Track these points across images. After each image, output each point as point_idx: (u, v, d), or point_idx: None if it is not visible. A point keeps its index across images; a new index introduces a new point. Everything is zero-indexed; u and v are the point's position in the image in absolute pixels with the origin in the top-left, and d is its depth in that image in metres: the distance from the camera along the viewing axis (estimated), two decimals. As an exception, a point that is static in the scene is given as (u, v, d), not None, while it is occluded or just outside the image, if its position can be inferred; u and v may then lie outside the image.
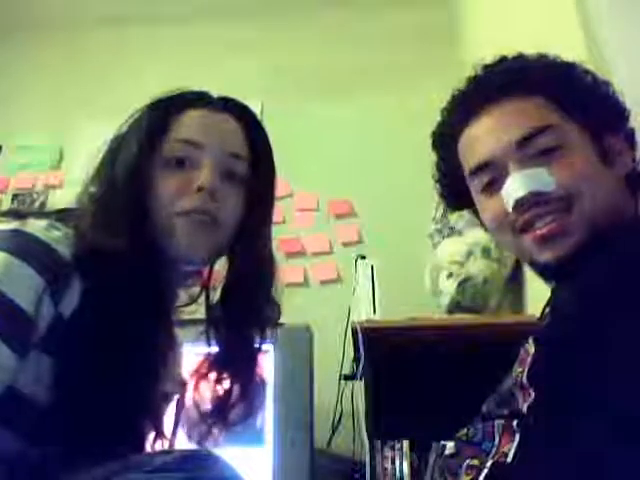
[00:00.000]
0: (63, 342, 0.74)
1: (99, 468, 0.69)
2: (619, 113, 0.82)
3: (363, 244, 2.46)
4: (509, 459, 0.68)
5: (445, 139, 0.89)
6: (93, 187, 0.87)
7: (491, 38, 2.04)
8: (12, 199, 2.69)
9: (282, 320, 0.99)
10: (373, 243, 2.42)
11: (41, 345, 0.73)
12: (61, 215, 0.84)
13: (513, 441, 0.69)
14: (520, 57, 0.84)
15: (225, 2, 2.91)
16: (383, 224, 2.40)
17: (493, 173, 0.81)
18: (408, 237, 2.21)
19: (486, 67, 0.85)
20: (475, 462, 0.71)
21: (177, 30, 2.89)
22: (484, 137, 0.81)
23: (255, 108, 0.96)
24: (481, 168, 0.82)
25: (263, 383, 0.99)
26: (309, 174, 2.56)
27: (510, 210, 0.78)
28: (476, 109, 0.83)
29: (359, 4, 2.83)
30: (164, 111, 0.90)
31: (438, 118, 0.92)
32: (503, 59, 0.85)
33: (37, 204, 2.66)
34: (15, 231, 0.76)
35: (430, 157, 0.95)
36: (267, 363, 1.59)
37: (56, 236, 0.77)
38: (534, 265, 0.82)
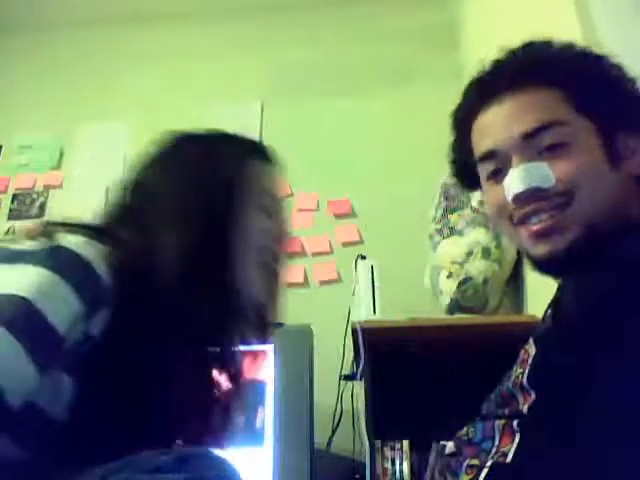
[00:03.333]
0: (87, 363, 0.74)
1: (98, 468, 0.69)
2: (635, 109, 0.79)
3: (363, 244, 2.46)
4: (509, 459, 0.67)
5: (461, 121, 0.89)
6: (155, 217, 0.84)
7: (492, 39, 2.04)
8: (12, 199, 2.69)
9: (282, 320, 0.99)
10: (373, 243, 2.42)
11: (63, 364, 0.73)
12: (92, 231, 0.81)
13: (513, 441, 0.69)
14: (546, 45, 0.83)
15: (225, 2, 2.92)
16: (383, 224, 2.40)
17: (498, 163, 0.81)
18: (408, 237, 2.21)
19: (509, 52, 0.84)
20: (475, 462, 0.71)
21: (177, 30, 2.89)
22: (493, 126, 0.81)
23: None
24: (487, 157, 0.82)
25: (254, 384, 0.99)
26: (309, 174, 2.56)
27: (510, 202, 0.79)
28: (490, 96, 0.82)
29: (359, 4, 2.83)
30: (250, 159, 0.92)
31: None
32: (529, 44, 0.83)
33: (37, 204, 2.67)
34: (57, 247, 0.75)
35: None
36: (267, 363, 1.59)
37: (96, 254, 0.76)
38: (529, 258, 0.82)
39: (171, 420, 0.81)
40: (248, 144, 0.95)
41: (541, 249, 0.78)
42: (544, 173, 0.75)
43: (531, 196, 0.76)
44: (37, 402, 0.71)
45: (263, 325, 0.93)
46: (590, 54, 0.82)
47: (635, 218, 0.77)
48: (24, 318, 0.68)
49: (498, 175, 0.81)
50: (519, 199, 0.77)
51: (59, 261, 0.74)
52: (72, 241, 0.76)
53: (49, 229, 0.78)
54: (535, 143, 0.77)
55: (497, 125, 0.80)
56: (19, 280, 0.71)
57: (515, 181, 0.77)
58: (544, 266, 0.80)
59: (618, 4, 1.15)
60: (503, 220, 0.83)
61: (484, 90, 0.84)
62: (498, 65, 0.84)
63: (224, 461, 0.70)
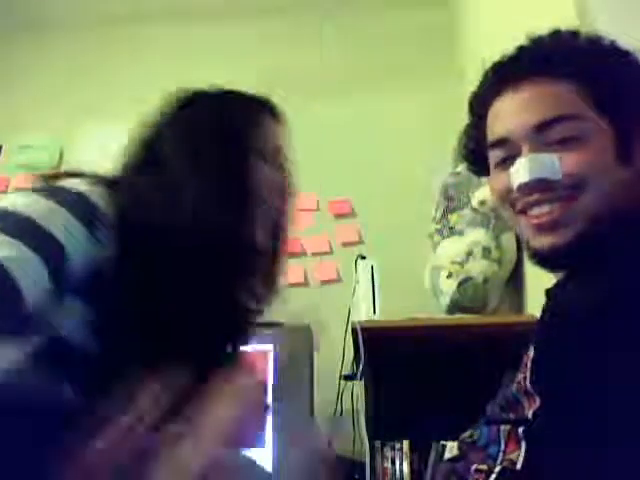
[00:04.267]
0: (100, 285, 0.75)
1: None
2: None
3: (363, 244, 2.46)
4: (519, 466, 0.67)
5: (478, 105, 0.87)
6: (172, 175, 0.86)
7: (492, 39, 2.04)
8: (12, 199, 2.69)
9: (282, 320, 1.00)
10: (373, 243, 2.42)
11: (76, 288, 0.74)
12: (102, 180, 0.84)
13: (519, 448, 0.68)
14: (572, 35, 0.81)
15: (225, 2, 2.92)
16: (383, 224, 2.40)
17: (508, 150, 0.80)
18: (408, 237, 2.21)
19: (534, 39, 0.82)
20: (483, 467, 0.71)
21: (177, 30, 2.89)
22: (507, 114, 0.80)
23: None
24: (498, 143, 0.81)
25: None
26: (309, 174, 2.55)
27: (514, 190, 0.78)
28: (508, 82, 0.80)
29: (359, 5, 2.83)
30: (260, 113, 0.98)
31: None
32: (556, 33, 0.82)
33: (37, 204, 2.66)
34: (57, 187, 0.78)
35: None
36: (267, 363, 1.59)
37: (95, 191, 0.79)
38: (528, 248, 0.81)
39: (193, 332, 0.80)
40: (258, 101, 1.00)
41: (543, 241, 0.77)
42: (552, 165, 0.74)
43: (536, 187, 0.75)
44: (60, 334, 0.72)
45: (268, 279, 0.95)
46: (615, 50, 0.79)
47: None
48: (33, 235, 0.71)
49: (507, 162, 0.80)
50: (524, 188, 0.76)
51: (54, 192, 0.76)
52: (73, 182, 0.79)
53: (58, 175, 0.82)
54: (547, 134, 0.76)
55: (511, 112, 0.79)
56: (22, 203, 0.74)
57: (522, 170, 0.76)
58: (543, 258, 0.79)
59: (618, 5, 1.15)
60: (506, 207, 0.82)
61: (503, 75, 0.82)
62: (520, 51, 0.82)
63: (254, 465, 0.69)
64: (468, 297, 1.86)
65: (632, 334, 0.63)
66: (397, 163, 2.51)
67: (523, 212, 0.79)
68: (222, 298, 0.85)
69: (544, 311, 0.79)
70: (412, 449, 1.71)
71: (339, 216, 2.55)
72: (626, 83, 0.76)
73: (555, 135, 0.75)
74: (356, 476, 1.77)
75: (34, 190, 0.77)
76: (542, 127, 0.76)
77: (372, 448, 1.66)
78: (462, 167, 1.91)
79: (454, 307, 1.89)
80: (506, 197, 0.81)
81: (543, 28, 0.84)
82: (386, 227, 2.39)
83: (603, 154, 0.74)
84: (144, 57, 2.85)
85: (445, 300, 1.91)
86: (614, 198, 0.74)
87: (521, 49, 0.81)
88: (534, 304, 1.72)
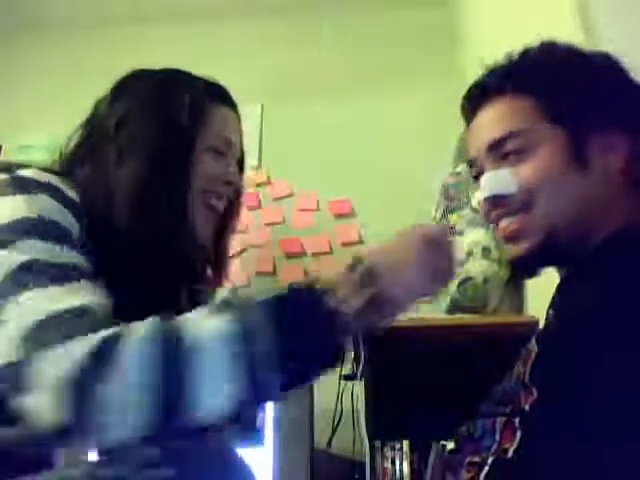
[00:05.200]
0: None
1: (86, 463, 0.68)
2: (621, 108, 0.79)
3: (363, 244, 2.46)
4: (509, 455, 0.68)
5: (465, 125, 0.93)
6: (108, 151, 0.86)
7: (491, 39, 2.04)
8: (12, 199, 2.69)
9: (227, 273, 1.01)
10: (373, 243, 2.42)
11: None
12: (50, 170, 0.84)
13: (514, 438, 0.69)
14: (523, 53, 0.85)
15: (225, 3, 2.92)
16: (383, 224, 2.40)
17: (477, 169, 0.86)
18: (408, 237, 2.20)
19: (493, 64, 0.87)
20: (476, 459, 0.72)
21: (176, 30, 2.89)
22: (471, 136, 0.87)
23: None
24: (470, 163, 0.88)
25: None
26: (309, 174, 2.56)
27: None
28: (472, 108, 0.86)
29: (359, 5, 2.83)
30: (204, 100, 0.92)
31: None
32: (509, 55, 0.86)
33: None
34: (18, 177, 0.77)
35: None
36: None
37: (55, 179, 0.79)
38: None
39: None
40: (203, 84, 0.95)
41: (510, 250, 0.82)
42: (506, 180, 0.78)
43: (494, 202, 0.81)
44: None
45: (203, 267, 0.95)
46: (567, 57, 0.83)
47: (617, 214, 0.77)
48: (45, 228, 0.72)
49: (478, 180, 0.86)
50: (485, 204, 0.83)
51: (23, 184, 0.76)
52: (29, 171, 0.78)
53: (5, 167, 0.80)
54: (499, 151, 0.81)
55: (474, 134, 0.86)
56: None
57: (482, 187, 0.82)
58: (513, 266, 0.84)
59: (618, 5, 1.15)
60: (485, 218, 0.87)
61: (468, 102, 0.88)
62: (478, 79, 0.87)
63: (218, 456, 0.69)
64: (468, 297, 1.86)
65: (624, 332, 0.64)
66: (397, 163, 2.51)
67: (495, 224, 0.83)
68: (166, 291, 0.85)
69: (549, 307, 0.81)
70: (412, 449, 1.71)
71: (339, 216, 2.55)
72: (579, 90, 0.79)
73: (505, 151, 0.80)
74: (356, 476, 1.76)
75: (11, 188, 0.75)
76: (495, 145, 0.81)
77: (372, 448, 1.66)
78: (462, 167, 1.91)
79: (454, 307, 1.89)
80: (483, 210, 0.86)
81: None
82: (386, 227, 2.38)
83: (553, 160, 0.77)
84: (144, 58, 2.84)
85: (445, 300, 1.91)
86: (573, 203, 0.77)
87: (487, 72, 0.86)
88: (534, 304, 1.72)
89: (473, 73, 0.90)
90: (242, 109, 1.00)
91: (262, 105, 2.70)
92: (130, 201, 0.81)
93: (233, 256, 0.99)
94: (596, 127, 0.78)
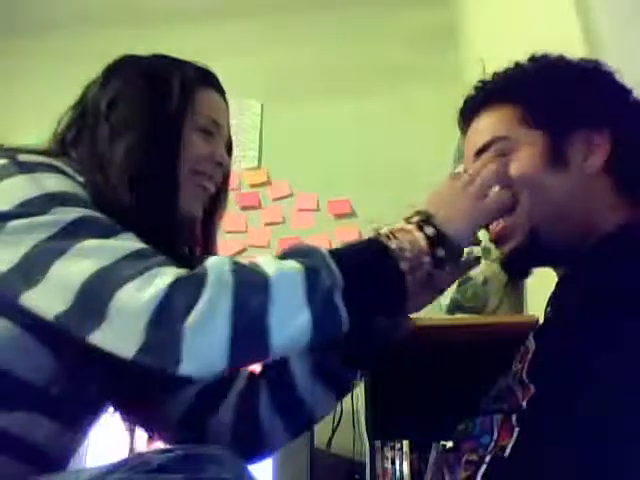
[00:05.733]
0: None
1: (95, 467, 0.68)
2: (602, 109, 0.81)
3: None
4: (507, 454, 0.68)
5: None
6: (103, 131, 0.87)
7: (491, 39, 2.04)
8: (12, 199, 2.68)
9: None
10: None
11: None
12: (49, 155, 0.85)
13: (512, 436, 0.69)
14: (509, 68, 0.89)
15: (224, 3, 2.92)
16: (383, 224, 2.40)
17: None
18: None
19: (478, 81, 0.91)
20: (473, 457, 0.72)
21: (176, 30, 2.89)
22: (465, 147, 0.91)
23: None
24: (465, 171, 0.90)
25: None
26: (309, 174, 2.56)
27: None
28: (465, 121, 0.91)
29: (359, 5, 2.83)
30: (193, 82, 0.93)
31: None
32: (516, 64, 0.89)
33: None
34: (21, 162, 0.78)
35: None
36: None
37: (56, 162, 0.80)
38: None
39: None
40: (193, 68, 0.97)
41: (501, 250, 0.85)
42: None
43: None
44: None
45: (192, 242, 0.96)
46: (551, 66, 0.86)
47: (608, 214, 0.79)
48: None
49: None
50: None
51: (29, 165, 0.77)
52: (31, 157, 0.80)
53: (7, 153, 0.80)
54: None
55: (466, 144, 0.90)
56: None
57: None
58: (502, 266, 0.88)
59: (618, 5, 1.15)
60: None
61: (462, 113, 0.93)
62: (474, 89, 0.91)
63: (230, 461, 0.68)
64: (468, 297, 1.86)
65: (630, 329, 0.64)
66: (397, 163, 2.51)
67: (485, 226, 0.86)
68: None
69: (546, 306, 0.82)
70: (412, 449, 1.71)
71: (339, 216, 2.55)
72: (558, 95, 0.82)
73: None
74: (356, 476, 1.77)
75: (14, 170, 0.76)
76: (481, 151, 0.85)
77: (372, 448, 1.66)
78: (462, 167, 1.91)
79: (454, 307, 1.89)
80: None
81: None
82: (386, 227, 2.38)
83: (533, 162, 0.81)
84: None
85: (445, 300, 1.91)
86: (552, 202, 0.80)
87: (477, 86, 0.91)
88: (534, 304, 1.72)
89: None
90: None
91: (262, 105, 2.70)
92: (125, 178, 0.82)
93: (232, 256, 0.99)
94: (576, 129, 0.80)
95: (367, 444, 1.64)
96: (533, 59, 0.86)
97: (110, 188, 0.81)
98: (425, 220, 0.76)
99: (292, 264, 0.68)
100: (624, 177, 0.80)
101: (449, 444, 0.80)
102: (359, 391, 1.78)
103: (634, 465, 0.60)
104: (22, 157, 0.79)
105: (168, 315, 0.62)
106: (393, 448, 1.72)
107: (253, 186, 2.61)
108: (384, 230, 0.76)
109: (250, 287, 0.65)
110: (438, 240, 0.74)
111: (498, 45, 1.88)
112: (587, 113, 0.81)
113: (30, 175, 0.75)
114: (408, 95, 2.65)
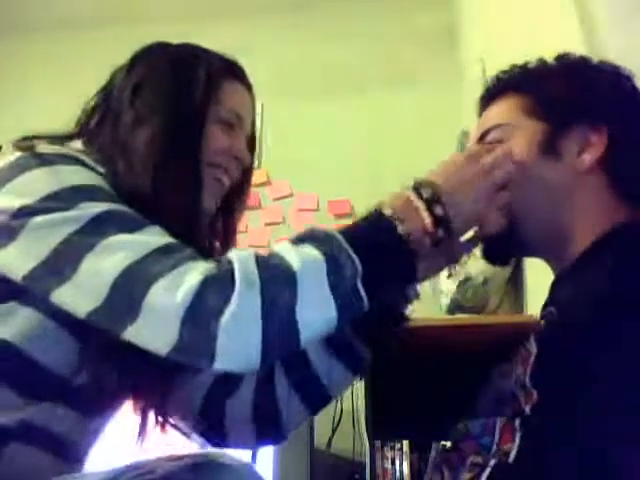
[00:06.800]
0: None
1: (102, 472, 0.68)
2: (602, 107, 0.82)
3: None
4: (511, 459, 0.68)
5: None
6: (127, 118, 0.87)
7: (491, 39, 2.04)
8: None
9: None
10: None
11: None
12: (67, 139, 0.88)
13: (514, 440, 0.69)
14: (525, 62, 0.90)
15: (224, 3, 2.92)
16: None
17: None
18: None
19: (498, 72, 0.93)
20: (478, 459, 0.71)
21: (176, 30, 2.88)
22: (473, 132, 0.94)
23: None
24: None
25: None
26: (309, 174, 2.56)
27: None
28: (480, 108, 0.94)
29: (359, 4, 2.83)
30: (219, 72, 0.93)
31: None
32: (525, 63, 0.92)
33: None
34: (39, 154, 0.78)
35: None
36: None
37: (75, 153, 0.81)
38: None
39: None
40: (220, 59, 0.96)
41: (479, 233, 0.86)
42: None
43: None
44: None
45: (212, 236, 0.95)
46: (568, 63, 0.87)
47: (604, 213, 0.79)
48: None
49: None
50: None
51: (49, 157, 0.77)
52: (51, 147, 0.80)
53: (26, 144, 0.81)
54: (485, 142, 0.87)
55: (475, 129, 0.93)
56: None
57: None
58: (482, 252, 0.89)
59: (618, 4, 1.15)
60: None
61: (480, 101, 0.94)
62: (490, 81, 0.94)
63: (239, 470, 0.68)
64: (468, 297, 1.86)
65: (633, 332, 0.64)
66: (397, 163, 2.51)
67: None
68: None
69: (543, 306, 0.82)
70: (412, 449, 1.71)
71: (339, 216, 2.55)
72: (560, 89, 0.84)
73: (489, 141, 0.87)
74: (356, 476, 1.77)
75: (35, 163, 0.76)
76: (481, 137, 0.89)
77: (372, 448, 1.66)
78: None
79: (454, 307, 1.89)
80: None
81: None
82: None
83: (525, 150, 0.83)
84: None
85: (445, 300, 1.91)
86: (539, 188, 0.81)
87: (496, 76, 0.93)
88: (534, 304, 1.72)
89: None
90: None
91: (262, 105, 2.70)
92: (148, 165, 0.82)
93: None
94: (575, 124, 0.81)
95: (367, 444, 1.65)
96: (557, 57, 0.88)
97: (132, 175, 0.80)
98: (434, 198, 0.75)
99: (314, 253, 0.67)
100: (619, 177, 0.81)
101: (448, 444, 0.80)
102: (359, 391, 1.78)
103: (634, 466, 0.59)
104: (41, 148, 0.79)
105: (201, 315, 0.63)
106: (393, 448, 1.72)
107: (253, 186, 2.60)
108: (390, 207, 0.76)
109: (277, 284, 0.65)
110: (442, 221, 0.74)
111: (498, 45, 1.88)
112: (587, 110, 0.82)
113: (51, 168, 0.75)
114: (408, 95, 2.65)
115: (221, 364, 0.63)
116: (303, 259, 0.66)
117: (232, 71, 0.96)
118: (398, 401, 1.72)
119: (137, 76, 0.90)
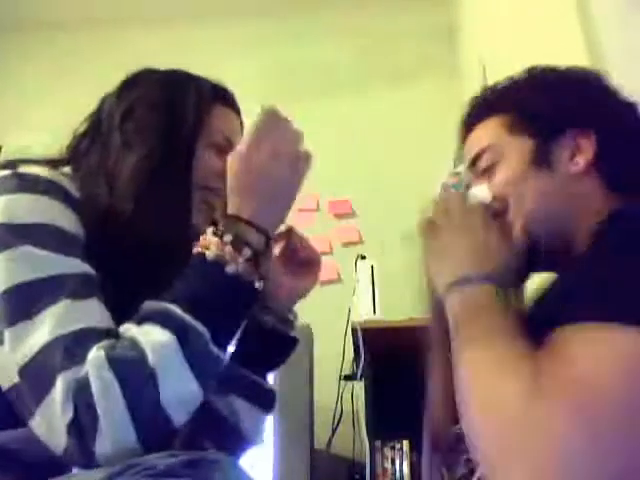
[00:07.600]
0: None
1: (99, 471, 0.68)
2: (588, 112, 0.83)
3: (363, 244, 2.46)
4: None
5: None
6: (111, 144, 0.87)
7: (491, 40, 2.04)
8: (12, 199, 2.69)
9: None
10: (373, 243, 2.42)
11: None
12: (53, 161, 0.86)
13: None
14: (496, 83, 0.92)
15: (224, 3, 2.92)
16: (383, 224, 2.40)
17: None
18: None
19: (471, 98, 0.94)
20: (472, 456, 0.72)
21: (176, 30, 2.89)
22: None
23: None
24: (468, 186, 0.94)
25: None
26: (309, 174, 2.56)
27: None
28: (461, 136, 0.95)
29: (359, 5, 2.83)
30: (209, 98, 0.93)
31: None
32: (510, 78, 0.92)
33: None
34: (19, 174, 0.77)
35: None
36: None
37: (56, 175, 0.80)
38: None
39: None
40: (209, 84, 0.96)
41: None
42: (483, 193, 0.86)
43: None
44: None
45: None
46: (537, 74, 0.89)
47: (592, 213, 0.80)
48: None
49: None
50: None
51: (23, 181, 0.76)
52: (33, 169, 0.79)
53: (9, 163, 0.80)
54: (477, 168, 0.88)
55: (464, 157, 0.93)
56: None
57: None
58: None
59: (618, 4, 1.15)
60: None
61: (460, 128, 0.95)
62: (471, 102, 0.94)
63: (234, 467, 0.68)
64: (468, 297, 1.86)
65: None
66: (397, 163, 2.51)
67: None
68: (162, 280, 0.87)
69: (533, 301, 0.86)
70: (412, 449, 1.71)
71: (339, 216, 2.55)
72: (541, 102, 0.85)
73: (480, 167, 0.88)
74: (356, 476, 1.77)
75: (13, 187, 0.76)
76: (473, 163, 0.89)
77: (372, 448, 1.66)
78: (462, 167, 1.91)
79: (454, 307, 1.89)
80: None
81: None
82: (386, 227, 2.39)
83: (518, 167, 0.84)
84: (145, 58, 2.84)
85: (445, 300, 1.90)
86: (539, 201, 0.82)
87: (471, 101, 0.94)
88: (534, 304, 1.72)
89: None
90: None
91: (262, 105, 2.70)
92: (132, 190, 0.82)
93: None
94: (560, 132, 0.83)
95: (367, 444, 1.65)
96: (525, 71, 0.89)
97: (114, 198, 0.81)
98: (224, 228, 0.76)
99: (164, 337, 0.68)
100: (613, 172, 0.82)
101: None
102: (359, 391, 1.78)
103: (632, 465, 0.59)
104: (24, 169, 0.79)
105: (80, 434, 0.66)
106: (393, 448, 1.72)
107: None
108: (212, 250, 0.74)
109: (136, 383, 0.67)
110: (240, 243, 0.75)
111: (498, 45, 1.88)
112: (571, 116, 0.83)
113: (19, 195, 0.75)
114: (408, 95, 2.65)
115: (107, 464, 0.66)
116: (154, 348, 0.67)
117: (221, 96, 0.96)
118: (398, 401, 1.72)
119: (127, 101, 0.91)
